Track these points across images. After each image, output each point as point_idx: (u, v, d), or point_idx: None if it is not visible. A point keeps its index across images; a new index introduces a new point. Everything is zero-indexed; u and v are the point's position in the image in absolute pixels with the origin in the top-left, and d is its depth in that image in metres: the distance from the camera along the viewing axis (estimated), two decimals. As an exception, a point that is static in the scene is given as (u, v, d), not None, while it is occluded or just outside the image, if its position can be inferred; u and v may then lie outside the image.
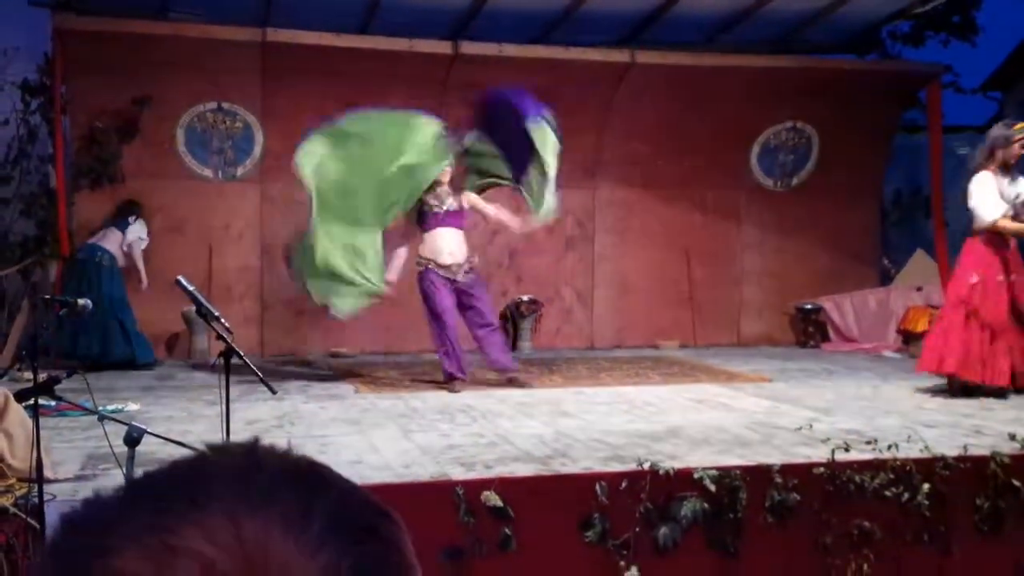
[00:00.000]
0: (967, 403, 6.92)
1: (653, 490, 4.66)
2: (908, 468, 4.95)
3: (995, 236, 7.03)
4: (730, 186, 10.98)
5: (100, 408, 4.63)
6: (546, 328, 10.45)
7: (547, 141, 7.35)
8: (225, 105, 9.65)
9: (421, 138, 7.60)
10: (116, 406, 6.31)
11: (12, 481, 4.33)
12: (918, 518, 4.93)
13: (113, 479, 4.42)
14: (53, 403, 4.66)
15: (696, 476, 4.71)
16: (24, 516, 4.01)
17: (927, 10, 10.91)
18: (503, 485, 4.55)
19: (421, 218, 7.59)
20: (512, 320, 10.34)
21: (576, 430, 5.87)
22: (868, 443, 5.29)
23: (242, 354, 4.29)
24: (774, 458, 5.04)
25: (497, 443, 5.50)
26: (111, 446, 3.99)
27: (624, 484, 4.64)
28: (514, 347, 9.87)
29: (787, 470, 4.85)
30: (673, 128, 10.45)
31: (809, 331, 10.75)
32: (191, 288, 4.52)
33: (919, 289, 10.40)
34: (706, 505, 4.69)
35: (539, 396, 7.27)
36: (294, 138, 9.76)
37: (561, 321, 10.62)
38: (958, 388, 7.15)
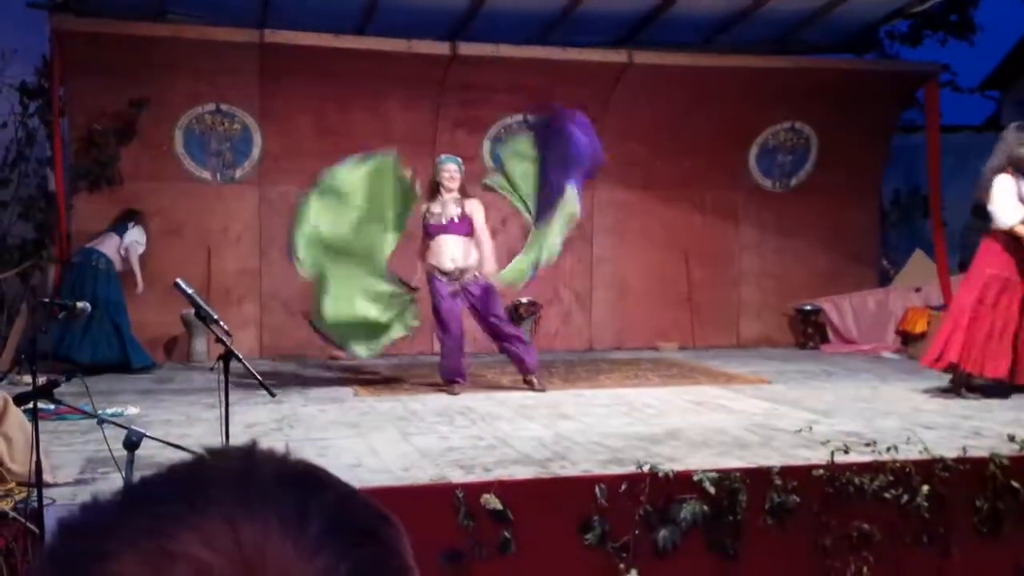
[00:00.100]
0: (966, 405, 6.93)
1: (652, 492, 4.65)
2: (907, 470, 4.95)
3: (1012, 238, 7.13)
4: (728, 187, 10.98)
5: (99, 412, 4.63)
6: (545, 330, 10.45)
7: (569, 211, 7.40)
8: (223, 107, 9.65)
9: (387, 187, 7.58)
10: (115, 410, 6.31)
11: (11, 485, 4.33)
12: (917, 520, 4.93)
13: (112, 483, 4.41)
14: (52, 407, 4.65)
15: (695, 478, 4.71)
16: (23, 520, 4.01)
17: (925, 9, 10.92)
18: (502, 488, 4.55)
19: (425, 227, 7.61)
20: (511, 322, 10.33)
21: (575, 432, 5.87)
22: (867, 445, 5.29)
23: (241, 357, 4.29)
24: (773, 460, 5.04)
25: (496, 446, 5.50)
26: (110, 450, 3.98)
27: (623, 487, 4.64)
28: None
29: (786, 472, 4.85)
30: (671, 129, 10.45)
31: (808, 332, 10.74)
32: (190, 291, 4.51)
33: (918, 290, 10.40)
34: (706, 507, 4.69)
35: (538, 399, 7.26)
36: (292, 139, 9.82)
37: (560, 323, 10.62)
38: (963, 381, 7.19)
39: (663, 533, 4.64)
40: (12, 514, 4.04)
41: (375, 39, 9.53)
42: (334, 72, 9.46)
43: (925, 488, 4.93)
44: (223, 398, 4.16)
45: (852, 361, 9.58)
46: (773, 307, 11.00)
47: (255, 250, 9.88)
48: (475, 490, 4.51)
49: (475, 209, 7.55)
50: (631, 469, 4.76)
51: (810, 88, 10.50)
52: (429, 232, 7.57)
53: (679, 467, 4.80)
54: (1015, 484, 5.05)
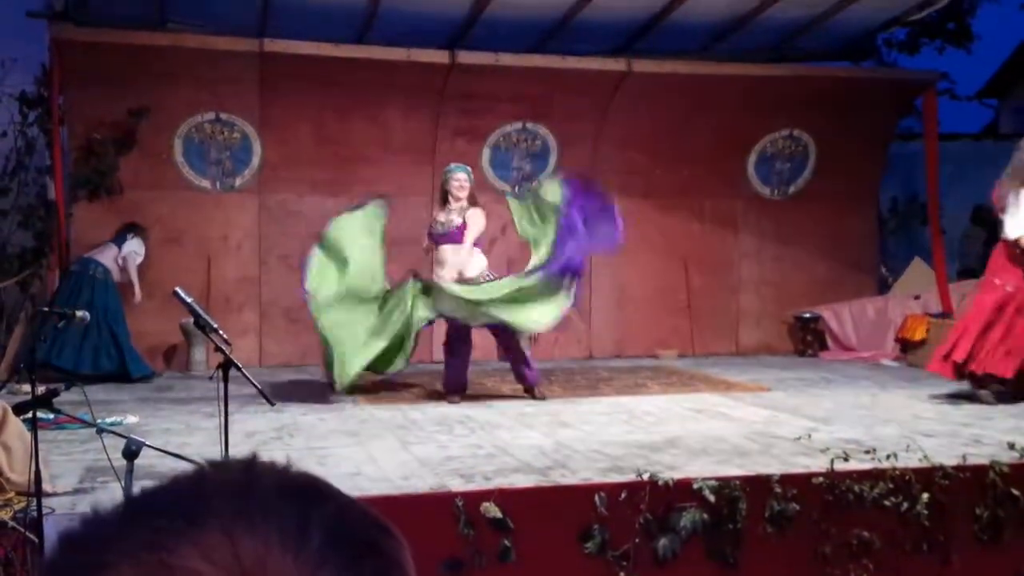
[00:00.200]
0: (966, 412, 6.93)
1: (652, 501, 4.65)
2: (907, 477, 4.95)
3: (1018, 251, 7.27)
4: (727, 195, 10.99)
5: (98, 421, 4.62)
6: (544, 338, 10.42)
7: (563, 298, 7.40)
8: (223, 116, 9.66)
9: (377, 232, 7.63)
10: (114, 419, 6.30)
11: (11, 495, 4.32)
12: (917, 528, 4.92)
13: (112, 492, 4.41)
14: (51, 416, 4.65)
15: (695, 487, 4.71)
16: (22, 530, 4.00)
17: (922, 17, 10.94)
18: (502, 496, 4.55)
19: (430, 235, 7.62)
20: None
21: (575, 441, 5.87)
22: (867, 452, 5.28)
23: (240, 366, 4.29)
24: (773, 468, 5.04)
25: (496, 454, 5.49)
26: (109, 459, 3.98)
27: (623, 495, 4.63)
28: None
29: (786, 480, 4.85)
30: (670, 137, 10.46)
31: (807, 340, 10.74)
32: (189, 300, 4.51)
33: (917, 297, 10.40)
34: (705, 516, 4.69)
35: (538, 407, 7.26)
36: (292, 148, 9.83)
37: (559, 331, 10.59)
38: (975, 382, 7.26)
39: (663, 541, 4.64)
40: (11, 524, 4.04)
41: (374, 48, 9.55)
42: (334, 81, 9.47)
43: (925, 496, 4.93)
44: (222, 407, 4.16)
45: (851, 368, 9.58)
46: (772, 315, 11.00)
47: (254, 258, 9.88)
48: (475, 499, 4.51)
49: (472, 216, 7.51)
50: (631, 477, 4.76)
51: (808, 96, 10.52)
52: (435, 240, 7.57)
53: (679, 475, 4.80)
54: (1015, 492, 5.05)
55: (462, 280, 7.40)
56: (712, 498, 4.69)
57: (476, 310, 7.23)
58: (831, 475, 4.91)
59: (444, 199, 7.62)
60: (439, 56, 9.65)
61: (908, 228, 12.60)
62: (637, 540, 4.61)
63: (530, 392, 7.64)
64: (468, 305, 7.21)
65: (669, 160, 10.55)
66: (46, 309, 6.52)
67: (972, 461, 5.14)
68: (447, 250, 7.46)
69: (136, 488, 3.68)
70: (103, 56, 8.89)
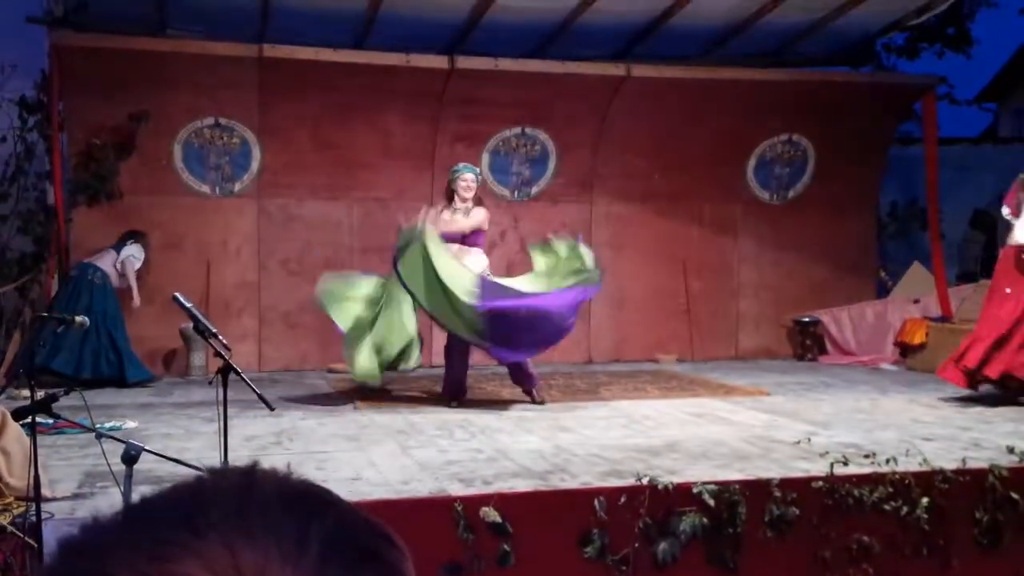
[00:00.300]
0: (965, 416, 6.94)
1: (652, 505, 4.65)
2: (907, 482, 4.95)
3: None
4: (726, 199, 10.99)
5: (98, 426, 4.62)
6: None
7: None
8: (222, 121, 9.66)
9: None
10: (114, 423, 6.30)
11: (10, 500, 4.32)
12: (917, 532, 4.93)
13: (111, 497, 4.41)
14: (51, 421, 4.65)
15: (695, 491, 4.71)
16: (21, 535, 4.00)
17: (921, 22, 10.94)
18: (502, 501, 4.55)
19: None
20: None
21: (575, 445, 5.87)
22: (867, 457, 5.29)
23: (240, 371, 4.28)
24: (773, 472, 5.04)
25: (496, 458, 5.49)
26: (109, 464, 3.97)
27: (623, 499, 4.63)
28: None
29: (786, 484, 4.85)
30: (669, 141, 10.47)
31: (807, 344, 10.75)
32: (188, 305, 4.51)
33: (916, 301, 10.41)
34: (705, 520, 4.69)
35: (537, 411, 7.26)
36: (291, 153, 9.84)
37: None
38: (997, 388, 7.30)
39: (663, 546, 4.64)
40: (10, 528, 4.04)
41: (374, 53, 9.56)
42: (333, 86, 9.48)
43: (925, 500, 4.93)
44: (222, 412, 4.15)
45: (851, 373, 9.58)
46: (771, 319, 11.01)
47: (254, 263, 9.88)
48: (474, 503, 4.51)
49: (475, 214, 7.54)
50: (630, 482, 4.76)
51: (807, 101, 10.53)
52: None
53: (678, 479, 4.80)
54: (1014, 495, 5.05)
55: None
56: (712, 502, 4.69)
57: (456, 320, 7.18)
58: (831, 479, 4.91)
59: (450, 198, 7.62)
60: (438, 61, 9.66)
61: (907, 232, 12.61)
62: (637, 544, 4.61)
63: (529, 395, 7.64)
64: (451, 306, 7.15)
65: (668, 165, 10.56)
66: (45, 314, 6.53)
67: (972, 465, 5.14)
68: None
69: (135, 493, 3.67)
70: (103, 62, 8.89)
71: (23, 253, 9.45)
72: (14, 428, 4.52)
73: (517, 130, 10.28)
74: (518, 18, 9.51)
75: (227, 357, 4.30)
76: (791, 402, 7.69)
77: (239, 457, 4.77)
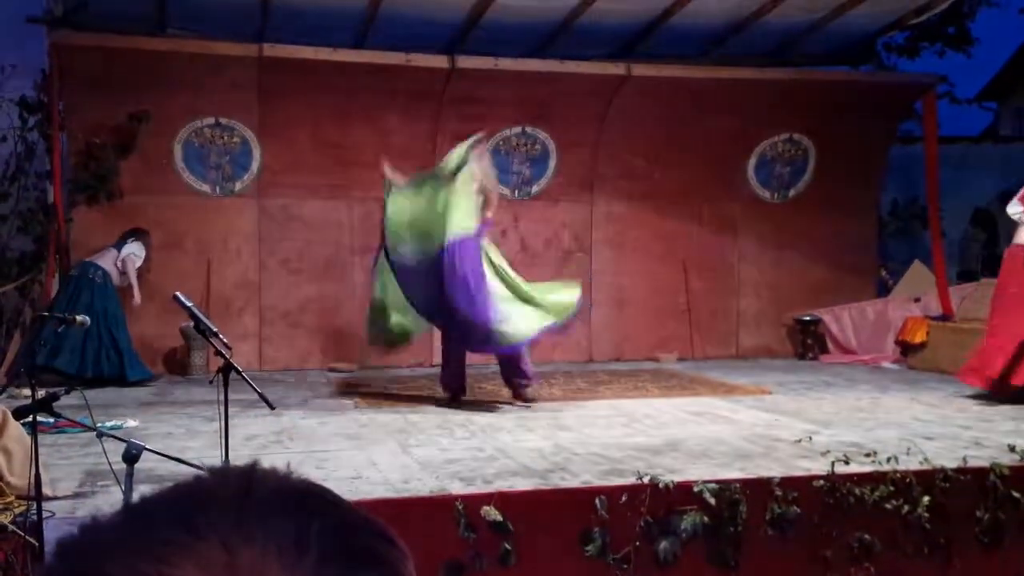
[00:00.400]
0: (966, 415, 6.94)
1: (653, 504, 4.65)
2: (908, 480, 4.95)
3: None
4: (727, 198, 10.99)
5: (99, 425, 4.62)
6: (544, 342, 10.41)
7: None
8: (222, 120, 9.66)
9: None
10: (115, 423, 6.30)
11: (11, 498, 4.32)
12: (918, 530, 4.92)
13: (112, 496, 4.41)
14: (51, 420, 4.65)
15: (696, 489, 4.71)
16: (22, 534, 4.00)
17: (922, 21, 10.94)
18: (503, 499, 4.55)
19: None
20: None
21: (575, 444, 5.87)
22: (868, 455, 5.29)
23: (240, 370, 4.29)
24: (774, 471, 5.03)
25: (496, 457, 5.49)
26: (110, 463, 3.98)
27: (624, 498, 4.63)
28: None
29: (787, 483, 4.85)
30: (669, 140, 10.47)
31: (807, 343, 10.74)
32: (189, 304, 4.52)
33: (917, 300, 10.40)
34: (706, 519, 4.69)
35: (538, 410, 7.26)
36: (291, 153, 9.84)
37: (559, 335, 10.60)
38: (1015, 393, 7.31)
39: (664, 544, 4.64)
40: (11, 527, 4.04)
41: (374, 53, 9.55)
42: (333, 86, 9.48)
43: (926, 499, 4.93)
44: (223, 411, 4.16)
45: (852, 371, 9.58)
46: (772, 318, 11.00)
47: (255, 262, 9.89)
48: (475, 502, 4.51)
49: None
50: (631, 480, 4.76)
51: (808, 100, 10.53)
52: None
53: (679, 478, 4.80)
54: (1016, 494, 5.05)
55: None
56: (713, 501, 4.69)
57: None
58: (832, 478, 4.91)
59: None
60: (438, 61, 9.66)
61: (908, 231, 12.62)
62: (638, 543, 4.61)
63: (516, 393, 7.54)
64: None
65: (669, 164, 10.56)
66: (46, 314, 6.52)
67: (973, 464, 5.14)
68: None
69: (136, 492, 3.68)
70: (103, 61, 8.89)
71: (23, 253, 9.44)
72: (15, 427, 4.52)
73: (517, 129, 10.28)
74: (518, 18, 9.51)
75: (228, 356, 4.31)
76: (792, 401, 7.69)
77: (240, 456, 4.77)
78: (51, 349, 8.00)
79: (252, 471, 0.60)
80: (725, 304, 11.02)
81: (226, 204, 9.83)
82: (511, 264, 7.70)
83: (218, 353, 4.41)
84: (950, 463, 5.13)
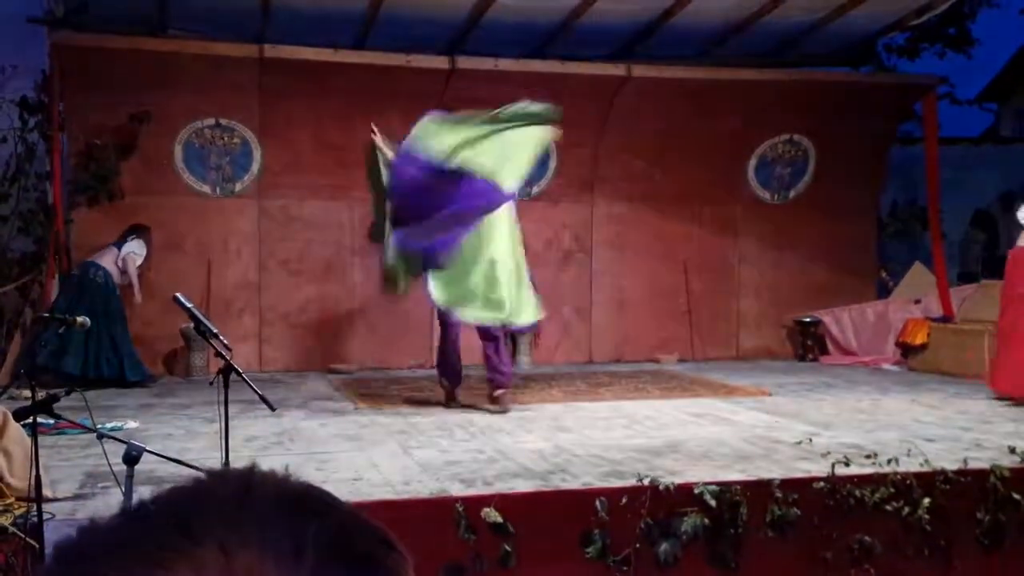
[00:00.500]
0: (966, 417, 6.93)
1: (653, 506, 4.65)
2: (908, 482, 4.95)
3: None
4: (727, 199, 10.99)
5: (99, 426, 4.62)
6: (545, 343, 10.43)
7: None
8: (223, 121, 9.66)
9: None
10: (115, 424, 6.30)
11: (11, 500, 4.32)
12: (919, 532, 4.92)
13: (112, 497, 4.40)
14: (52, 421, 4.64)
15: (696, 491, 4.71)
16: (23, 535, 4.00)
17: (922, 22, 10.94)
18: (503, 501, 4.54)
19: None
20: (510, 335, 10.31)
21: (575, 445, 5.86)
22: (868, 457, 5.28)
23: (240, 371, 4.28)
24: (774, 473, 5.03)
25: (497, 459, 5.49)
26: (110, 464, 3.97)
27: (624, 500, 4.63)
28: (512, 362, 9.84)
29: (787, 485, 4.85)
30: (670, 141, 10.46)
31: (808, 344, 10.74)
32: (189, 305, 4.51)
33: (917, 302, 10.40)
34: (706, 520, 4.68)
35: (538, 411, 7.25)
36: (292, 154, 9.84)
37: (560, 336, 10.61)
38: None
39: (664, 546, 4.63)
40: (12, 529, 4.04)
41: (374, 53, 9.55)
42: (333, 87, 9.48)
43: (926, 500, 4.92)
44: (223, 412, 4.15)
45: (852, 373, 9.58)
46: (772, 319, 11.00)
47: (254, 263, 9.88)
48: (476, 503, 4.51)
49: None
50: (632, 482, 4.76)
51: (808, 101, 10.53)
52: None
53: (680, 480, 4.79)
54: (1016, 496, 5.05)
55: None
56: (713, 503, 4.68)
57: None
58: (832, 480, 4.90)
59: None
60: (439, 62, 9.66)
61: (908, 232, 12.61)
62: (638, 545, 4.60)
63: (491, 395, 7.36)
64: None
65: (669, 164, 10.56)
66: (46, 315, 6.52)
67: (973, 465, 5.14)
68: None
69: (136, 494, 3.67)
70: (103, 62, 8.89)
71: (23, 253, 9.44)
72: (15, 429, 4.52)
73: (518, 130, 10.26)
74: (518, 18, 9.50)
75: (228, 357, 4.30)
76: (792, 402, 7.68)
77: (240, 458, 4.76)
78: (55, 351, 8.01)
79: (251, 474, 0.60)
80: (725, 305, 11.02)
81: (226, 205, 9.83)
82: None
83: (218, 354, 4.41)
84: (951, 465, 5.13)
